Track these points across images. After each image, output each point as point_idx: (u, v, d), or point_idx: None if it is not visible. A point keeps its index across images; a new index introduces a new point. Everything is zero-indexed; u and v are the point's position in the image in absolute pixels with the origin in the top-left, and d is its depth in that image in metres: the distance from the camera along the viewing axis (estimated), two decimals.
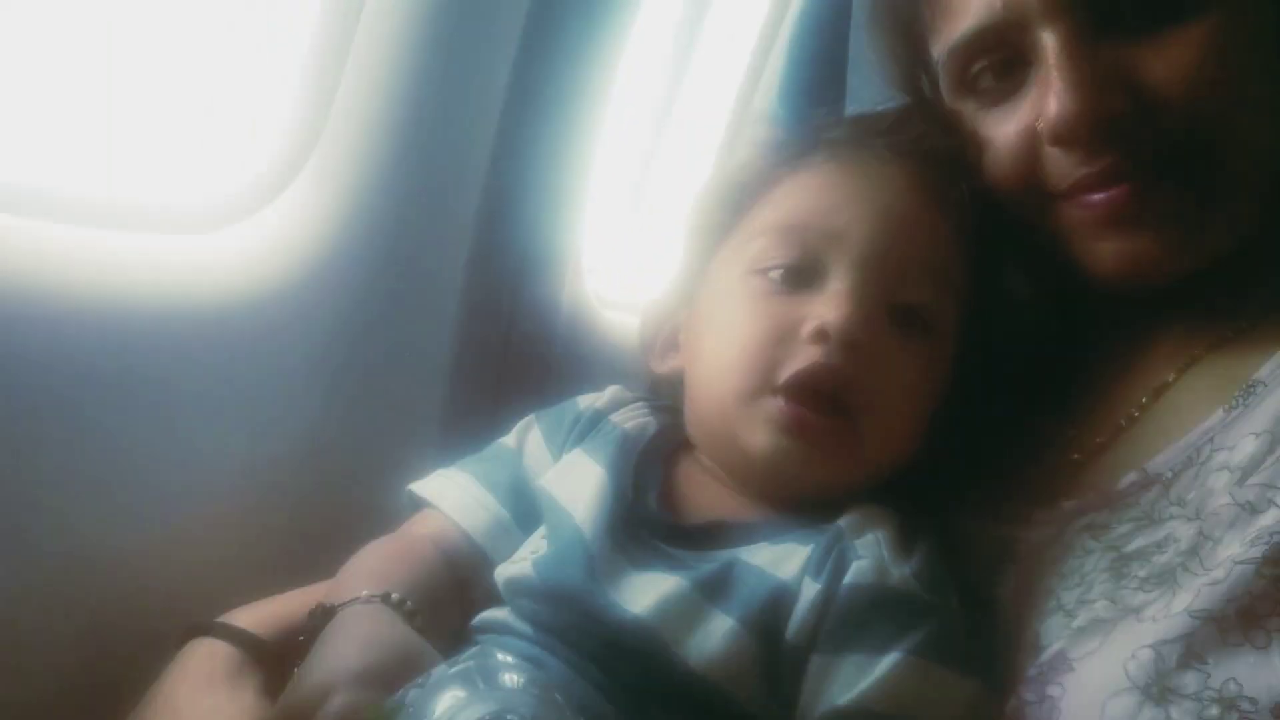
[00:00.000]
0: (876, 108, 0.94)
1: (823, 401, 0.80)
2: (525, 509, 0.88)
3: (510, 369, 1.25)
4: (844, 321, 0.80)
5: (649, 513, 0.84)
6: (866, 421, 0.81)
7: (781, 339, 0.82)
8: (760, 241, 0.86)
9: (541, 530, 0.85)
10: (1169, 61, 0.76)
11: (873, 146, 0.87)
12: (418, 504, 0.91)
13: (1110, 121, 0.76)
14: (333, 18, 1.01)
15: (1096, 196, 0.80)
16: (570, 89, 1.11)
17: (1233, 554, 0.69)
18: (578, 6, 1.08)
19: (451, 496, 0.90)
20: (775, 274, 0.84)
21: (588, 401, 0.95)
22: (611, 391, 0.96)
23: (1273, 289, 0.83)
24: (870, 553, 0.77)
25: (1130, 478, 0.80)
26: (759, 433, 0.82)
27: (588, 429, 0.92)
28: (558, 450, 0.91)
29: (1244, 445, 0.74)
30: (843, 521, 0.80)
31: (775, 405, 0.81)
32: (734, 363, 0.83)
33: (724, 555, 0.79)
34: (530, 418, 0.95)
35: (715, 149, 1.55)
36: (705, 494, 0.87)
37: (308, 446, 1.02)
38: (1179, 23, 0.76)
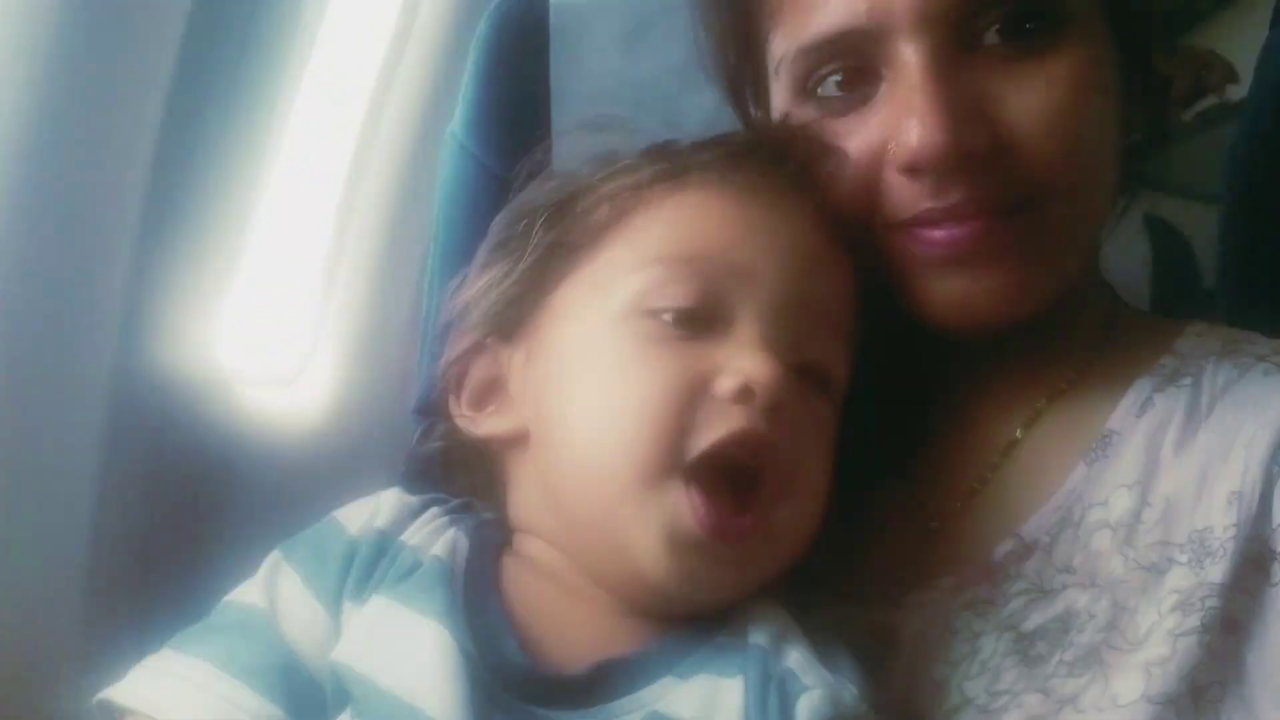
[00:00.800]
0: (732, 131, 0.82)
1: (741, 488, 0.64)
2: (305, 698, 0.63)
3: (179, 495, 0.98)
4: (770, 378, 0.64)
5: (513, 670, 0.62)
6: (784, 507, 0.66)
7: (691, 397, 0.65)
8: (646, 274, 0.69)
9: None
10: (1030, 98, 0.71)
11: (766, 173, 0.73)
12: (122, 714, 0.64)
13: (968, 158, 0.69)
14: None
15: (938, 233, 0.71)
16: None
17: (1159, 624, 0.67)
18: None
19: (185, 700, 0.63)
20: (668, 316, 0.67)
21: (359, 520, 0.70)
22: (391, 500, 0.72)
23: (1086, 335, 0.81)
24: (813, 679, 0.64)
25: (1006, 547, 0.75)
26: (656, 538, 0.64)
27: (373, 561, 0.67)
28: (333, 600, 0.66)
29: (1117, 500, 0.72)
30: (755, 636, 0.66)
31: (683, 499, 0.63)
32: (628, 431, 0.65)
33: (627, 704, 0.62)
34: (275, 555, 0.69)
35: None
36: (569, 619, 0.67)
37: None
38: (1042, 56, 0.71)
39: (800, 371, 0.69)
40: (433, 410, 0.84)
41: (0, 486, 0.78)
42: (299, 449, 1.26)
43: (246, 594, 0.68)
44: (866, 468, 0.79)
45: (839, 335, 0.73)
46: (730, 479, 0.65)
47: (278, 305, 1.31)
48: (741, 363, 0.66)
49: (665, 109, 0.96)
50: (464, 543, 0.69)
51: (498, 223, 0.79)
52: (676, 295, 0.68)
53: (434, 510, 0.72)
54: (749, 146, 0.78)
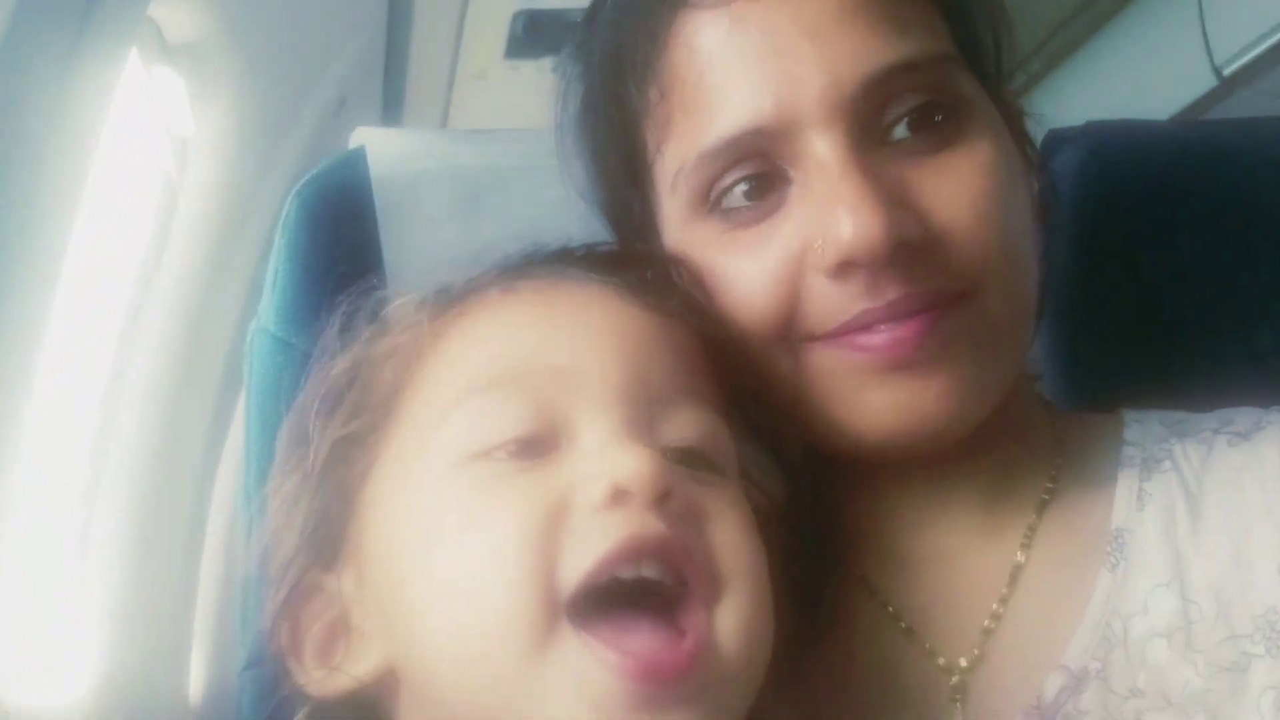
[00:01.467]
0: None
1: (660, 609, 0.53)
2: None
3: None
4: (644, 466, 0.54)
5: None
6: (721, 612, 0.55)
7: (550, 525, 0.53)
8: (460, 417, 0.58)
9: None
10: (952, 188, 0.67)
11: (557, 270, 0.65)
12: None
13: (906, 247, 0.64)
14: None
15: (876, 338, 0.65)
16: None
17: None
18: None
19: None
20: (502, 452, 0.56)
21: None
22: None
23: (1040, 440, 0.77)
24: None
25: (1055, 682, 0.68)
26: (572, 711, 0.51)
27: None
28: None
29: (1157, 603, 0.68)
30: None
31: (581, 648, 0.51)
32: (491, 596, 0.52)
33: None
34: None
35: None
36: None
37: None
38: (953, 147, 0.68)
39: (678, 458, 0.60)
40: (263, 661, 0.70)
41: None
42: None
43: None
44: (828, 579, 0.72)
45: (702, 405, 0.63)
46: (640, 604, 0.54)
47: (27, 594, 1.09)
48: (603, 464, 0.56)
49: None
50: None
51: (281, 437, 0.68)
52: (503, 425, 0.58)
53: None
54: (527, 257, 0.70)
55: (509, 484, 0.56)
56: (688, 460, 0.60)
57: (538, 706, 0.52)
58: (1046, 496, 0.75)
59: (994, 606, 0.71)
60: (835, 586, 0.74)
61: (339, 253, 0.91)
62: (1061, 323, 1.06)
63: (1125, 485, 0.73)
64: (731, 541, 0.58)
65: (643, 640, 0.53)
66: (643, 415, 0.60)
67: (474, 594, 0.54)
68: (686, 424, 0.61)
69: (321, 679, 0.60)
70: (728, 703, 0.56)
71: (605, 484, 0.55)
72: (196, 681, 1.41)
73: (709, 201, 0.70)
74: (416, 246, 0.93)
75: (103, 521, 1.24)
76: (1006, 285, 0.69)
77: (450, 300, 0.66)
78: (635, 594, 0.54)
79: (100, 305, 1.20)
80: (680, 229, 0.72)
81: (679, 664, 0.52)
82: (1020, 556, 0.73)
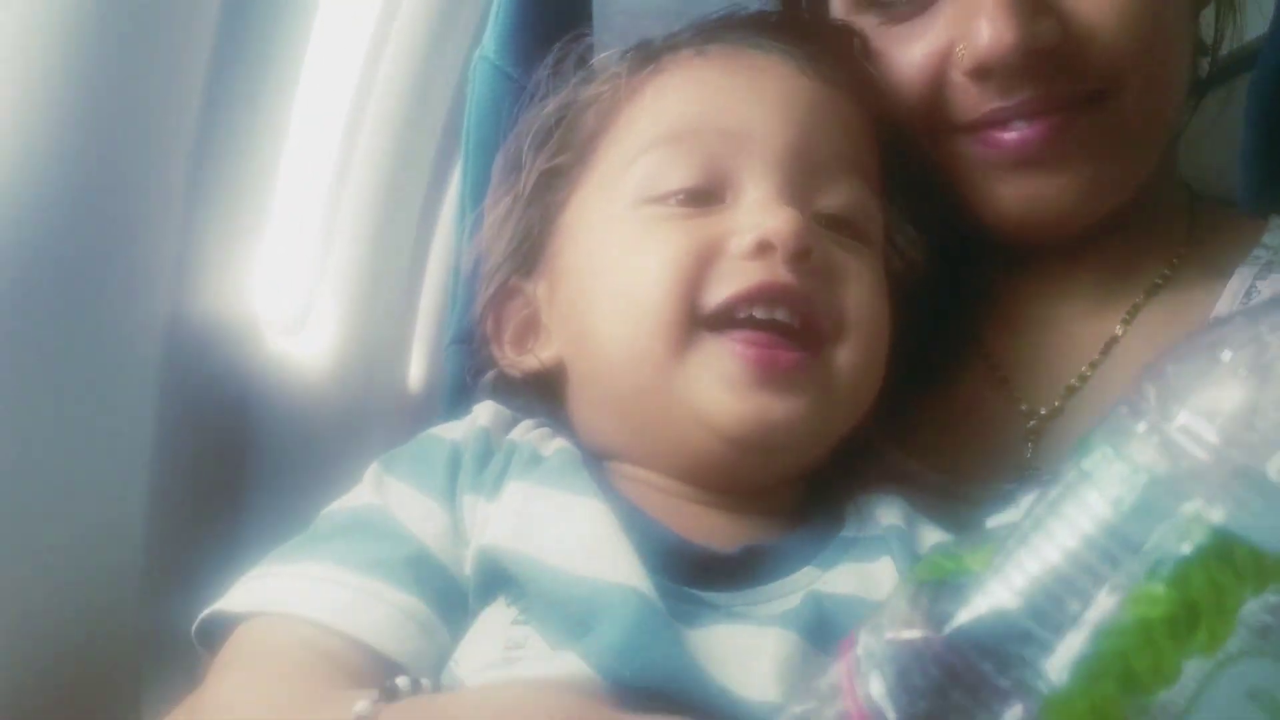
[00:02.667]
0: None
1: (785, 337, 0.62)
2: (440, 590, 0.59)
3: (218, 441, 0.95)
4: (788, 226, 0.61)
5: (667, 545, 0.60)
6: (840, 351, 0.64)
7: (702, 261, 0.62)
8: (643, 163, 0.66)
9: (506, 615, 0.58)
10: None
11: (746, 36, 0.71)
12: (224, 630, 0.59)
13: (1040, 54, 0.67)
14: None
15: (1007, 135, 0.70)
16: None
17: None
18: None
19: (307, 595, 0.58)
20: (675, 199, 0.65)
21: (458, 429, 0.68)
22: (486, 410, 0.69)
23: (1171, 230, 0.80)
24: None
25: None
26: (713, 390, 0.62)
27: (484, 457, 0.65)
28: (446, 496, 0.63)
29: None
30: (887, 519, 0.66)
31: (719, 347, 0.61)
32: (641, 308, 0.62)
33: (781, 587, 0.61)
34: (375, 468, 0.66)
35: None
36: (688, 522, 0.64)
37: None
38: None
39: (827, 223, 0.67)
40: (469, 339, 0.83)
41: (63, 435, 0.74)
42: (315, 389, 1.25)
43: (353, 499, 0.65)
44: (946, 352, 0.79)
45: (858, 177, 0.70)
46: (771, 330, 0.63)
47: (281, 252, 1.29)
48: (755, 219, 0.64)
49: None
50: (573, 449, 0.68)
51: (498, 161, 0.77)
52: (677, 176, 0.66)
53: (529, 421, 0.71)
54: (726, 20, 0.76)
55: (674, 225, 0.65)
56: (835, 225, 0.67)
57: (680, 396, 0.63)
58: (1160, 281, 0.79)
59: (1084, 369, 0.78)
60: (950, 342, 0.82)
61: None
62: (1269, 124, 1.03)
63: (1238, 280, 0.76)
64: (858, 298, 0.66)
65: (767, 341, 0.62)
66: (801, 180, 0.67)
67: (633, 307, 0.64)
68: (840, 192, 0.68)
69: (513, 360, 0.73)
70: (830, 414, 0.65)
71: (753, 236, 0.63)
72: (416, 366, 1.64)
73: None
74: None
75: (351, 201, 1.41)
76: (1146, 85, 0.72)
77: (649, 56, 0.74)
78: (770, 327, 0.63)
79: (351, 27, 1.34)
80: (844, 15, 0.77)
81: (793, 361, 0.62)
82: (1119, 330, 0.78)
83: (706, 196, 0.66)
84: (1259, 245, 0.79)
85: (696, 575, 0.60)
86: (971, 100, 0.72)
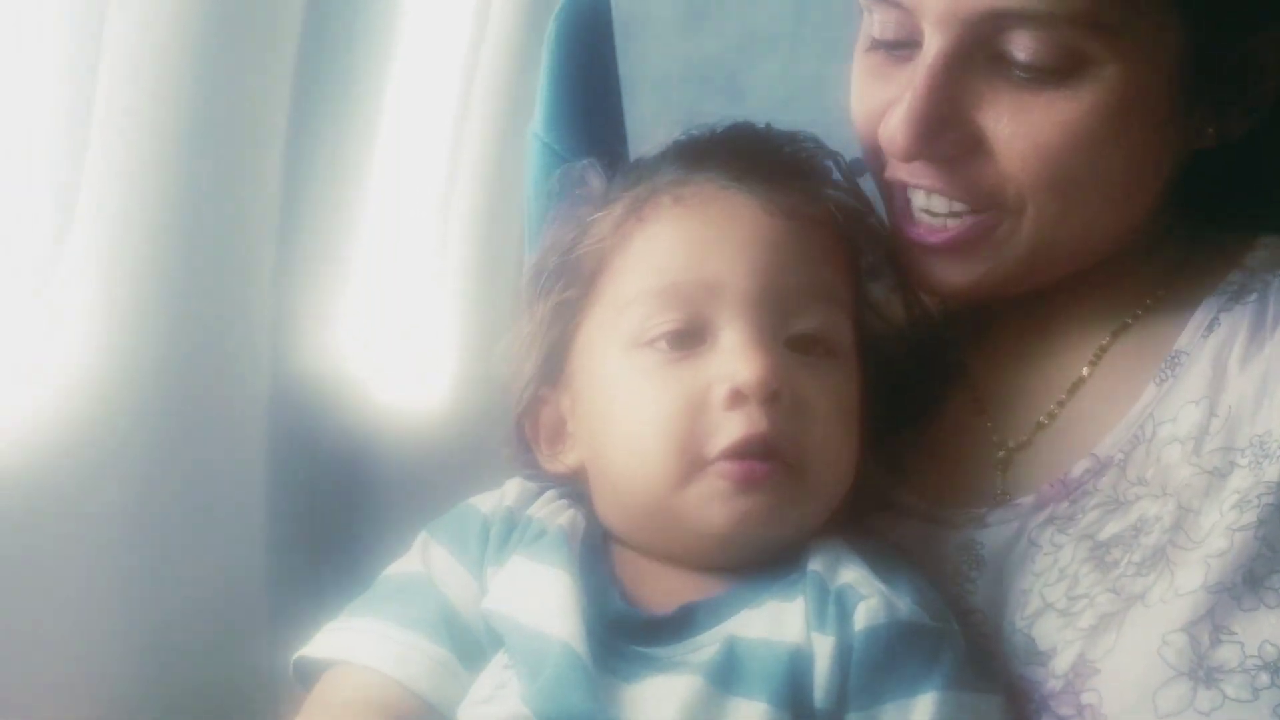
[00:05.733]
0: (704, 128, 0.86)
1: (763, 454, 0.73)
2: (466, 643, 0.75)
3: (331, 495, 1.09)
4: (755, 374, 0.72)
5: (616, 614, 0.74)
6: (811, 465, 0.75)
7: (696, 412, 0.74)
8: (635, 311, 0.77)
9: (502, 661, 0.73)
10: (1022, 128, 0.74)
11: (719, 177, 0.80)
12: (312, 672, 0.77)
13: (937, 160, 0.75)
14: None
15: (912, 229, 0.79)
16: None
17: (1219, 521, 0.71)
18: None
19: (369, 648, 0.75)
20: (662, 343, 0.76)
21: (490, 503, 0.82)
22: (515, 486, 0.84)
23: (1155, 268, 0.83)
24: (869, 589, 0.72)
25: (1083, 465, 0.79)
26: (710, 509, 0.74)
27: (506, 533, 0.80)
28: (476, 566, 0.78)
29: (1185, 415, 0.76)
30: (813, 564, 0.75)
31: (717, 472, 0.74)
32: (654, 452, 0.75)
33: (709, 636, 0.72)
34: (424, 535, 0.82)
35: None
36: (660, 581, 0.77)
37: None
38: (1059, 89, 0.73)
39: (799, 343, 0.76)
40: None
41: (182, 488, 0.89)
42: (430, 440, 1.36)
43: (404, 565, 0.80)
44: (930, 391, 0.87)
45: (826, 300, 0.78)
46: (750, 456, 0.74)
47: (392, 308, 1.41)
48: (727, 369, 0.74)
49: (729, 83, 1.03)
50: (580, 521, 0.81)
51: (526, 273, 0.89)
52: (662, 324, 0.76)
53: (552, 493, 0.84)
54: (702, 150, 0.84)
55: (666, 372, 0.75)
56: (806, 344, 0.77)
57: (679, 514, 0.75)
58: (1130, 321, 0.83)
59: (1051, 407, 0.83)
60: (938, 375, 0.89)
61: (587, 68, 1.10)
62: None
63: (1203, 312, 0.79)
64: (825, 422, 0.76)
65: (751, 464, 0.73)
66: (771, 317, 0.76)
67: (641, 453, 0.75)
68: (808, 318, 0.77)
69: (547, 459, 0.84)
70: (804, 508, 0.76)
71: (727, 388, 0.73)
72: None
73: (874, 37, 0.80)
74: (648, 60, 1.10)
75: (455, 253, 1.51)
76: (1041, 223, 0.76)
77: (636, 201, 0.81)
78: (749, 455, 0.73)
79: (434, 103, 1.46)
80: (860, 45, 0.83)
81: (767, 471, 0.73)
82: (1085, 372, 0.83)
83: (690, 339, 0.76)
84: (1238, 267, 0.81)
85: (642, 634, 0.73)
86: (892, 159, 0.80)
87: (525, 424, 0.85)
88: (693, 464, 0.74)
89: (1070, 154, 0.74)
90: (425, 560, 0.79)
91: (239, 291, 0.92)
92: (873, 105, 0.80)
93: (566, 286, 0.82)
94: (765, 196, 0.79)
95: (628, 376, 0.77)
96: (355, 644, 0.75)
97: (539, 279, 0.85)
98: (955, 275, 0.81)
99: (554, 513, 0.81)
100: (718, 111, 0.87)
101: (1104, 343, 0.83)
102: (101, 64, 0.81)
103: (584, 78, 1.11)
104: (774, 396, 0.73)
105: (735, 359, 0.74)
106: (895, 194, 0.82)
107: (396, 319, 1.45)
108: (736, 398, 0.73)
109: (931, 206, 0.79)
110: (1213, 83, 0.76)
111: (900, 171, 0.80)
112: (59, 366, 0.82)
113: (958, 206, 0.78)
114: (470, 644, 0.75)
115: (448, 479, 1.33)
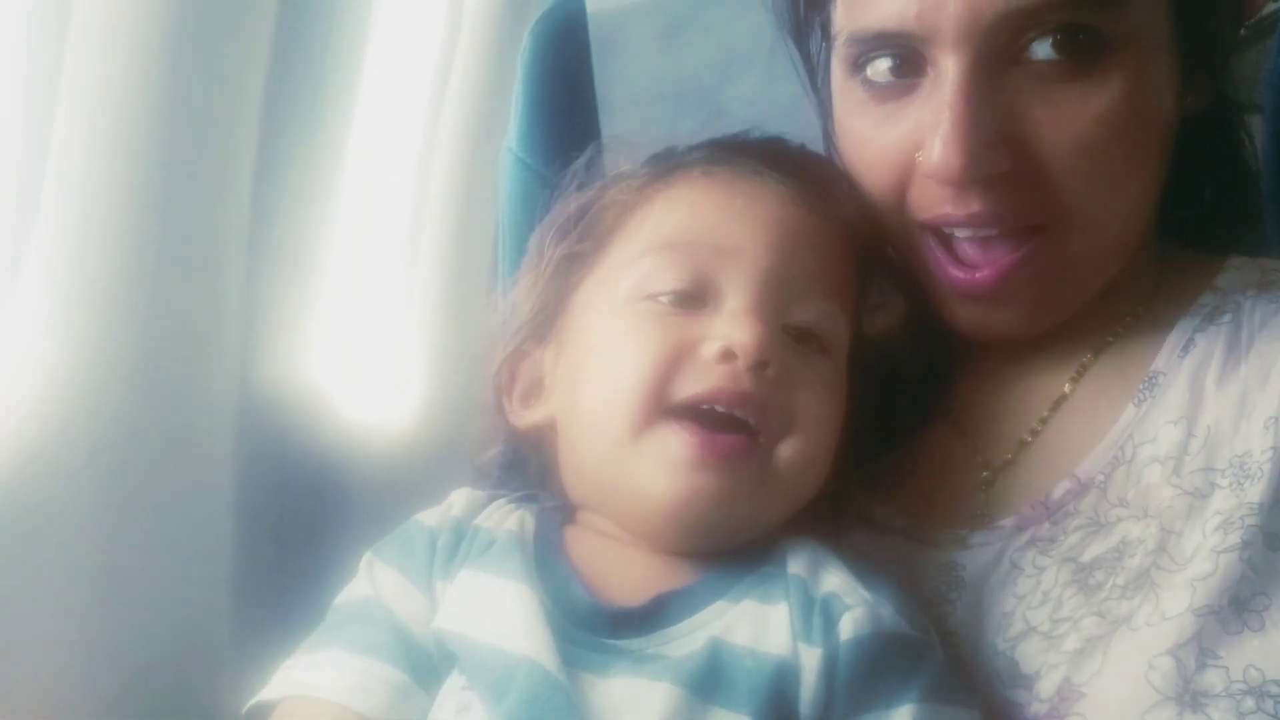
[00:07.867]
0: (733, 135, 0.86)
1: (727, 422, 0.71)
2: (421, 664, 0.72)
3: (298, 511, 1.07)
4: (752, 340, 0.71)
5: (582, 609, 0.71)
6: (781, 447, 0.73)
7: (677, 358, 0.72)
8: (643, 264, 0.77)
9: (459, 682, 0.70)
10: (1062, 127, 0.73)
11: (749, 164, 0.80)
12: (266, 712, 0.73)
13: (988, 179, 0.73)
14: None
15: (957, 273, 0.78)
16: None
17: (1203, 543, 0.71)
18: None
19: (330, 680, 0.71)
20: (665, 298, 0.75)
21: (435, 516, 0.79)
22: (463, 496, 0.81)
23: (1132, 291, 0.84)
24: (855, 599, 0.71)
25: (1064, 486, 0.79)
26: (655, 470, 0.72)
27: (454, 545, 0.77)
28: (425, 582, 0.75)
29: (1165, 435, 0.76)
30: (793, 566, 0.73)
31: (670, 434, 0.71)
32: (619, 389, 0.72)
33: (682, 628, 0.70)
34: (368, 556, 0.78)
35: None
36: (626, 568, 0.75)
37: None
38: (1087, 76, 0.73)
39: (795, 334, 0.76)
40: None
41: (149, 502, 0.87)
42: (398, 457, 1.34)
43: (353, 591, 0.77)
44: (916, 414, 0.86)
45: (830, 297, 0.78)
46: (722, 425, 0.71)
47: (361, 323, 1.39)
48: (725, 329, 0.73)
49: (707, 101, 1.03)
50: (530, 520, 0.79)
51: (533, 239, 0.88)
52: (670, 279, 0.75)
53: (500, 500, 0.82)
54: (734, 143, 0.85)
55: (660, 322, 0.74)
56: (802, 336, 0.76)
57: (630, 469, 0.72)
58: (1111, 339, 0.83)
59: (1034, 425, 0.83)
60: (920, 397, 0.88)
61: (564, 84, 1.10)
62: None
63: (1178, 333, 0.79)
64: (808, 403, 0.74)
65: (707, 433, 0.71)
66: (775, 296, 0.75)
67: (611, 388, 0.73)
68: (810, 310, 0.76)
69: (515, 415, 0.83)
70: (766, 501, 0.74)
71: (720, 344, 0.72)
72: None
73: (857, 67, 0.79)
74: (625, 77, 1.09)
75: (424, 270, 1.50)
76: (1093, 222, 0.76)
77: (665, 169, 0.82)
78: (729, 423, 0.71)
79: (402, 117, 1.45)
80: (839, 80, 0.83)
81: (730, 445, 0.71)
82: (1067, 389, 0.83)
83: (692, 300, 0.75)
84: (1209, 289, 0.81)
85: (612, 627, 0.70)
86: (929, 199, 0.77)
87: (504, 373, 0.84)
88: (655, 408, 0.71)
89: (1112, 143, 0.74)
90: (373, 582, 0.76)
91: (208, 307, 0.90)
92: (886, 148, 0.78)
93: (580, 239, 0.82)
94: (793, 188, 0.79)
95: (620, 325, 0.76)
96: (314, 678, 0.72)
97: (551, 230, 0.84)
98: (1001, 320, 0.80)
99: (501, 519, 0.79)
100: (695, 129, 0.86)
101: (1086, 360, 0.83)
102: (64, 73, 0.79)
103: (560, 92, 1.10)
104: (762, 365, 0.72)
105: (734, 322, 0.73)
106: (931, 238, 0.79)
107: (365, 336, 1.45)
108: (726, 355, 0.72)
109: (977, 235, 0.77)
110: (1191, 55, 0.77)
111: (943, 206, 0.76)
112: (22, 380, 0.79)
113: (999, 231, 0.76)
114: (426, 664, 0.72)
115: (415, 496, 1.31)
